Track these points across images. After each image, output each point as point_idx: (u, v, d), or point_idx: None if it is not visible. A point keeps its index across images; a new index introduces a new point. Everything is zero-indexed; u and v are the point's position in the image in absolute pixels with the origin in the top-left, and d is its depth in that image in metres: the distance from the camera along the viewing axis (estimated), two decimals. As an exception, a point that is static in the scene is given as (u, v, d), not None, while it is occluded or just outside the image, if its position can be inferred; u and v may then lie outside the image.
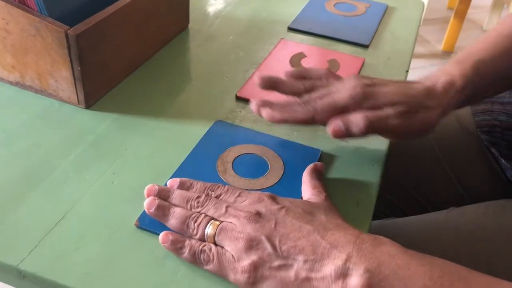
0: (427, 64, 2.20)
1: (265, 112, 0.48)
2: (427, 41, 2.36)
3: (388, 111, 0.46)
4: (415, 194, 0.72)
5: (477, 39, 0.59)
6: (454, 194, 0.70)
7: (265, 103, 0.48)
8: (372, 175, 0.51)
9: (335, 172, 0.51)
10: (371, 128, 0.45)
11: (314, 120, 0.47)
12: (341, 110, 0.47)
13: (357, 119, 0.45)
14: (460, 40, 2.30)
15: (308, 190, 0.46)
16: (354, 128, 0.45)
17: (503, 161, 0.65)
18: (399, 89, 0.49)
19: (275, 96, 0.53)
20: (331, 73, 0.52)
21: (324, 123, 0.47)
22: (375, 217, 0.64)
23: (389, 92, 0.48)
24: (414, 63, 2.17)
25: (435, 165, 0.71)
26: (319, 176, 0.47)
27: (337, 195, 0.47)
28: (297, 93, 0.50)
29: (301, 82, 0.51)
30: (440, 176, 0.71)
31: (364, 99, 0.47)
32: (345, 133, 0.46)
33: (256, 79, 0.50)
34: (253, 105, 0.49)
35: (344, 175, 0.50)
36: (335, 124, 0.46)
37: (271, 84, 0.50)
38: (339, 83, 0.49)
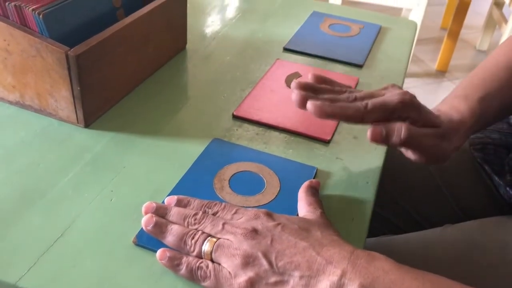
0: (422, 83, 2.22)
1: (313, 105, 0.43)
2: (421, 61, 2.39)
3: (428, 130, 0.48)
4: (410, 211, 0.72)
5: (479, 59, 0.61)
6: (448, 211, 0.71)
7: (310, 95, 0.45)
8: (366, 192, 0.51)
9: (331, 189, 0.51)
10: (409, 141, 0.46)
11: (362, 119, 0.45)
12: (390, 113, 0.46)
13: (400, 129, 0.45)
14: (453, 59, 2.33)
15: (303, 207, 0.46)
16: (394, 137, 0.45)
17: (496, 178, 0.66)
18: (433, 113, 0.50)
19: (268, 115, 0.54)
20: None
21: (369, 123, 0.46)
22: (371, 234, 0.64)
23: (429, 111, 0.49)
24: (409, 82, 2.20)
25: (429, 182, 0.72)
26: (315, 193, 0.48)
27: (333, 211, 0.48)
28: (357, 117, 0.47)
29: (344, 95, 0.48)
30: (434, 193, 0.71)
31: (411, 108, 0.47)
32: (383, 140, 0.45)
33: (293, 97, 0.45)
34: (295, 96, 0.45)
35: (339, 192, 0.51)
36: (377, 128, 0.45)
37: (328, 112, 0.45)
38: (381, 90, 0.49)
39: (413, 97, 0.48)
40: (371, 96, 0.48)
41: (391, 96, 0.47)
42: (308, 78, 0.51)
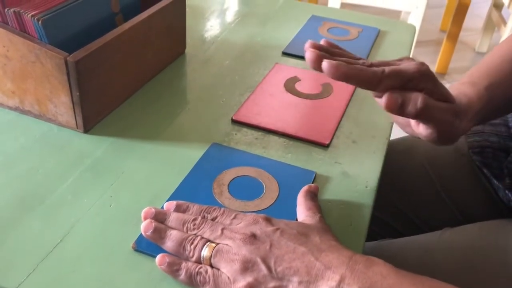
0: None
1: (330, 64, 0.40)
2: (420, 63, 2.39)
3: (443, 104, 0.46)
4: (410, 215, 0.72)
5: (479, 60, 0.61)
6: (448, 214, 0.71)
7: (325, 55, 0.42)
8: (365, 196, 0.51)
9: (330, 194, 0.52)
10: (424, 112, 0.44)
11: (379, 83, 0.42)
12: (406, 81, 0.44)
13: (416, 98, 0.43)
14: (453, 61, 2.33)
15: (302, 211, 0.46)
16: (410, 106, 0.43)
17: (495, 181, 0.66)
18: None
19: (267, 119, 0.54)
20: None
21: (385, 90, 0.43)
22: (370, 237, 0.64)
23: (444, 86, 0.47)
24: (408, 84, 2.20)
25: (428, 186, 0.72)
26: (314, 197, 0.48)
27: (331, 216, 0.48)
28: (376, 79, 0.43)
29: (360, 61, 0.45)
30: (433, 197, 0.71)
31: (428, 78, 0.45)
32: (399, 109, 0.43)
33: (307, 56, 0.42)
34: (310, 54, 0.42)
35: (338, 196, 0.51)
36: (393, 96, 0.42)
37: (346, 74, 0.41)
38: (398, 61, 0.47)
39: (429, 69, 0.46)
40: (387, 64, 0.45)
41: (408, 65, 0.45)
42: (306, 83, 0.50)
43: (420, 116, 0.44)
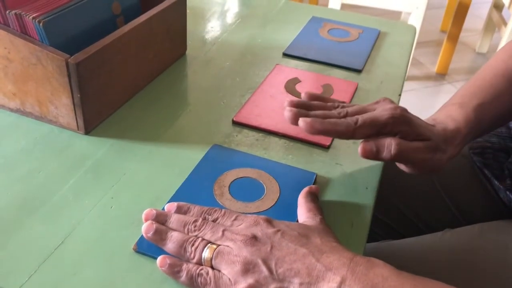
0: (422, 86, 2.23)
1: (304, 122, 0.45)
2: (421, 64, 2.39)
3: (418, 144, 0.48)
4: (410, 216, 0.72)
5: (479, 61, 0.61)
6: (448, 215, 0.71)
7: (300, 113, 0.46)
8: (366, 198, 0.52)
9: (330, 195, 0.52)
10: (399, 156, 0.47)
11: (353, 134, 0.46)
12: (380, 127, 0.47)
13: (390, 145, 0.46)
14: (453, 62, 2.33)
15: (303, 213, 0.46)
16: (384, 153, 0.46)
17: (496, 182, 0.66)
18: (427, 125, 0.51)
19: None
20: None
21: (360, 138, 0.47)
22: (371, 239, 0.64)
23: (421, 124, 0.50)
24: (409, 85, 2.20)
25: (429, 187, 0.72)
26: (314, 199, 0.48)
27: (332, 217, 0.48)
28: (348, 132, 0.47)
29: (335, 111, 0.49)
30: (434, 198, 0.71)
31: (402, 122, 0.48)
32: (374, 155, 0.47)
33: (286, 115, 0.47)
34: (288, 113, 0.46)
35: (339, 197, 0.51)
36: (368, 144, 0.47)
37: (320, 129, 0.46)
38: (373, 104, 0.50)
39: (404, 112, 0.49)
40: (363, 111, 0.49)
41: (382, 111, 0.48)
42: (306, 85, 0.51)
43: (396, 159, 0.48)
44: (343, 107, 0.50)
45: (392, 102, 0.51)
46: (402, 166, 0.52)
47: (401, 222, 0.73)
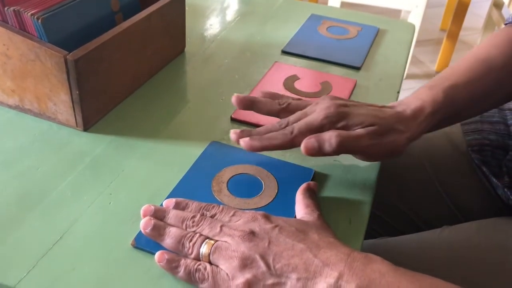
0: (422, 85, 2.23)
1: (244, 142, 0.49)
2: (421, 62, 2.39)
3: (360, 131, 0.48)
4: (408, 213, 0.73)
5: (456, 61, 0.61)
6: (446, 212, 0.71)
7: (244, 133, 0.50)
8: (364, 194, 0.52)
9: (328, 191, 0.52)
10: (343, 147, 0.47)
11: (293, 143, 0.48)
12: (317, 130, 0.48)
13: (330, 138, 0.47)
14: (453, 60, 2.33)
15: (301, 209, 0.47)
16: (326, 147, 0.47)
17: (494, 179, 0.66)
18: (371, 112, 0.51)
19: (265, 118, 0.54)
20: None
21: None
22: (369, 236, 0.64)
23: (361, 113, 0.50)
24: (409, 83, 2.20)
25: (427, 184, 0.72)
26: (312, 195, 0.48)
27: (330, 213, 0.48)
28: (273, 112, 0.52)
29: (276, 100, 0.52)
30: (432, 195, 0.72)
31: (338, 119, 0.49)
32: (318, 151, 0.47)
33: (233, 100, 0.52)
34: (232, 136, 0.50)
35: (337, 194, 0.51)
36: (309, 141, 0.47)
37: (247, 103, 0.52)
38: (314, 104, 0.51)
39: (339, 108, 0.49)
40: (304, 115, 0.50)
41: (317, 114, 0.49)
42: (305, 82, 0.51)
43: (341, 151, 0.48)
44: (286, 101, 0.52)
45: (332, 98, 0.51)
46: (357, 156, 0.52)
47: (399, 219, 0.73)
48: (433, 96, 0.54)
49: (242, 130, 0.50)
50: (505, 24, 0.64)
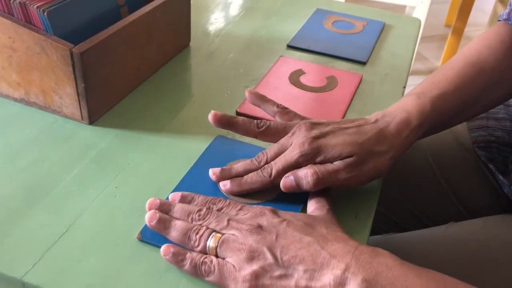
0: (426, 81, 2.22)
1: (224, 187, 0.48)
2: (425, 58, 2.38)
3: (338, 165, 0.46)
4: (414, 210, 0.72)
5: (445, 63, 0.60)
6: (452, 209, 0.71)
7: (224, 173, 0.49)
8: (370, 189, 0.51)
9: (334, 186, 0.51)
10: (321, 184, 0.46)
11: (272, 185, 0.47)
12: (295, 168, 0.47)
13: (306, 176, 0.46)
14: (457, 57, 2.32)
15: (312, 204, 0.46)
16: (304, 184, 0.46)
17: (500, 176, 0.66)
18: (348, 138, 0.48)
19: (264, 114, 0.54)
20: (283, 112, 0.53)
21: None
22: (375, 233, 0.64)
23: (337, 144, 0.47)
24: (413, 79, 2.20)
25: (433, 181, 0.71)
26: (325, 190, 0.48)
27: (336, 208, 0.48)
28: (251, 135, 0.51)
29: (255, 121, 0.51)
30: (438, 192, 0.71)
31: (313, 155, 0.47)
32: (296, 189, 0.46)
33: (210, 118, 0.51)
34: (212, 176, 0.49)
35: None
36: (287, 180, 0.47)
37: (225, 123, 0.51)
38: (290, 135, 0.49)
39: (312, 143, 0.47)
40: (282, 149, 0.49)
41: (292, 151, 0.48)
42: (311, 76, 0.50)
43: (320, 187, 0.46)
44: (264, 124, 0.51)
45: (307, 128, 0.49)
46: (339, 188, 0.49)
47: (405, 216, 0.73)
48: (419, 107, 0.52)
49: (222, 169, 0.49)
50: (499, 20, 0.63)
